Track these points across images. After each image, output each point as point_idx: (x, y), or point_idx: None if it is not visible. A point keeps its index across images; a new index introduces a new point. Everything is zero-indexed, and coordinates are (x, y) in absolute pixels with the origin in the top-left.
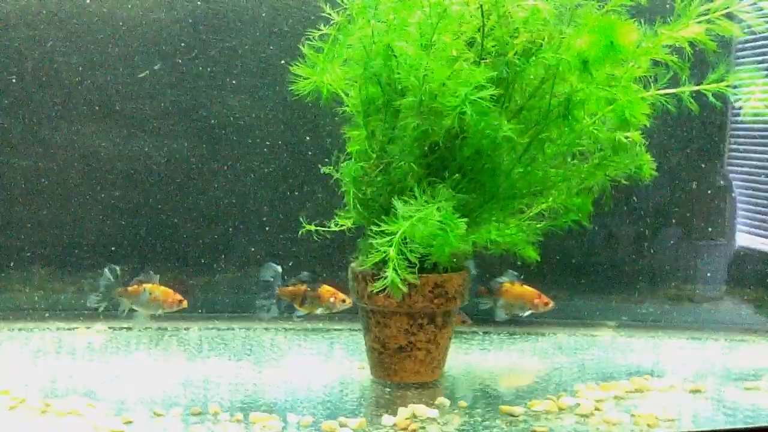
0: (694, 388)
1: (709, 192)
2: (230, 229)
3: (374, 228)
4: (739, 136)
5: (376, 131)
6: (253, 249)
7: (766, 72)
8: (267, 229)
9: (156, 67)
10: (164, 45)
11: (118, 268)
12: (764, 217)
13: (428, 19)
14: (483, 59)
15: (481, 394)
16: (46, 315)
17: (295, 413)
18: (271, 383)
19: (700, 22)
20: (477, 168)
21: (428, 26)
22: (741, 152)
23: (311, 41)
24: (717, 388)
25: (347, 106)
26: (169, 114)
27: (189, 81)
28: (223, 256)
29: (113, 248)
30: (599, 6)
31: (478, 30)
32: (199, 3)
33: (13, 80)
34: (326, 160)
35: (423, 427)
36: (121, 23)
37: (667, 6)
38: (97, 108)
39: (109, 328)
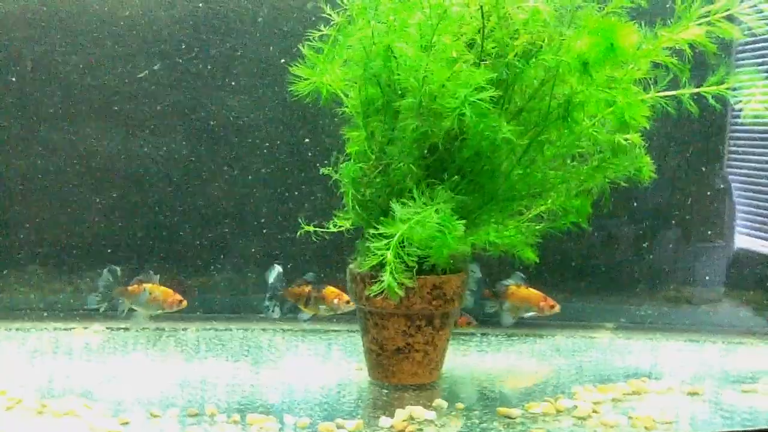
0: (692, 390)
1: (709, 194)
2: (228, 230)
3: (372, 231)
4: (738, 138)
5: (376, 132)
6: (252, 250)
7: (765, 74)
8: (265, 229)
9: (156, 67)
10: (164, 45)
11: (118, 268)
12: (763, 219)
13: (428, 21)
14: (483, 61)
15: (478, 396)
16: (45, 315)
17: (292, 414)
18: (269, 384)
19: (700, 24)
20: (476, 169)
21: (428, 27)
22: (740, 154)
23: (311, 42)
24: (714, 391)
25: (347, 106)
26: (169, 114)
27: (189, 81)
28: (221, 257)
29: (110, 250)
30: (599, 8)
31: (478, 31)
32: (199, 4)
33: (12, 79)
34: (326, 162)
35: (420, 429)
36: (121, 23)
37: (667, 6)
38: (96, 108)
39: (107, 328)
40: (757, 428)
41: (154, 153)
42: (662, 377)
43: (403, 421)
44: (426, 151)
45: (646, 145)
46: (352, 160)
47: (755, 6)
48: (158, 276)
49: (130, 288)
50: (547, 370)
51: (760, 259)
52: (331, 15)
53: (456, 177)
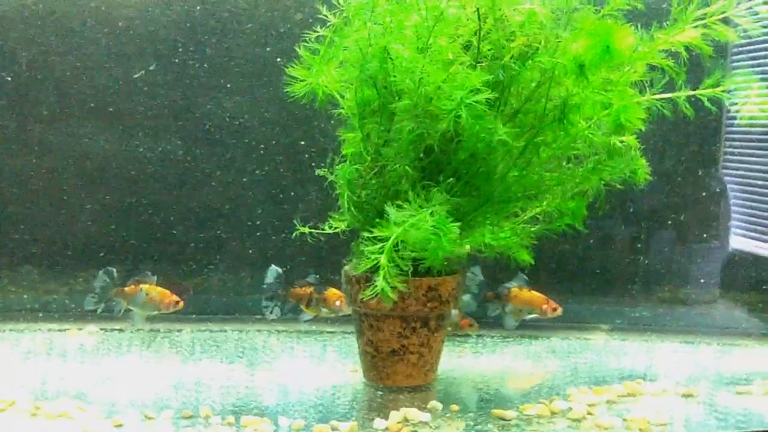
0: (687, 392)
1: (704, 195)
2: (223, 231)
3: (366, 234)
4: (734, 140)
5: (372, 134)
6: (250, 251)
7: (761, 76)
8: (260, 231)
9: (151, 68)
10: (160, 45)
11: (114, 269)
12: (758, 220)
13: (424, 22)
14: (479, 63)
15: (473, 397)
16: (40, 315)
17: (286, 416)
18: (263, 386)
19: (696, 27)
20: (472, 171)
21: (424, 29)
22: (736, 156)
23: (307, 43)
24: (709, 393)
25: (343, 108)
26: (164, 115)
27: (185, 82)
28: (216, 258)
29: (104, 251)
30: (596, 10)
31: (475, 33)
32: (197, 6)
33: (8, 79)
34: (321, 164)
35: (415, 431)
36: (117, 23)
37: (663, 5)
38: (91, 108)
39: (101, 329)
40: (751, 431)
41: (149, 153)
42: (657, 379)
43: (398, 423)
44: (422, 153)
45: (642, 146)
46: (347, 162)
47: (751, 8)
48: (155, 277)
49: (126, 288)
50: (542, 372)
51: (754, 260)
52: (327, 16)
53: (452, 179)
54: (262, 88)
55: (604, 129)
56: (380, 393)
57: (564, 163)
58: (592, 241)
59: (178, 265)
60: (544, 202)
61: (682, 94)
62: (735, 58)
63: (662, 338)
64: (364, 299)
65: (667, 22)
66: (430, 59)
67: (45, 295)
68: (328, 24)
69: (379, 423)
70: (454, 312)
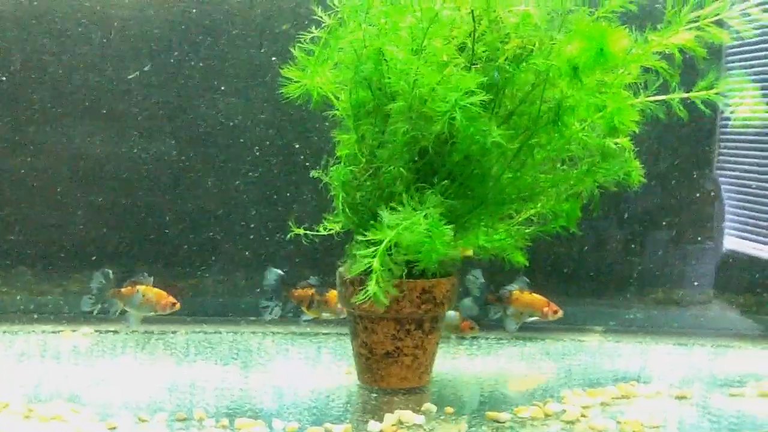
0: (680, 394)
1: (698, 196)
2: (218, 232)
3: (360, 237)
4: (728, 141)
5: (366, 135)
6: (246, 253)
7: (754, 77)
8: (255, 232)
9: (146, 68)
10: (155, 46)
11: (110, 271)
12: (753, 221)
13: (419, 24)
14: (474, 64)
15: (468, 400)
16: (34, 317)
17: (280, 419)
18: (258, 388)
19: (690, 29)
20: (466, 173)
21: (419, 31)
22: (730, 157)
23: (302, 44)
24: (703, 395)
25: (337, 109)
26: (159, 115)
27: (179, 82)
28: (211, 259)
29: (94, 257)
30: (591, 11)
31: (469, 35)
32: (193, 9)
33: (2, 79)
34: (316, 166)
35: None
36: (112, 24)
37: (657, 5)
38: (85, 109)
39: (95, 331)
40: None
41: (143, 154)
42: (651, 381)
43: (392, 425)
44: (416, 155)
45: (636, 148)
46: (342, 163)
47: (744, 11)
48: (152, 278)
49: (123, 290)
50: (537, 374)
51: (749, 262)
52: (322, 17)
53: (446, 181)
54: (257, 90)
55: (599, 131)
56: (374, 395)
57: (558, 165)
58: (586, 243)
59: (172, 267)
60: (539, 204)
61: (675, 96)
62: (730, 59)
63: (656, 340)
64: (357, 303)
65: (661, 25)
66: (424, 61)
67: (39, 297)
68: (323, 25)
69: (373, 425)
70: (455, 314)
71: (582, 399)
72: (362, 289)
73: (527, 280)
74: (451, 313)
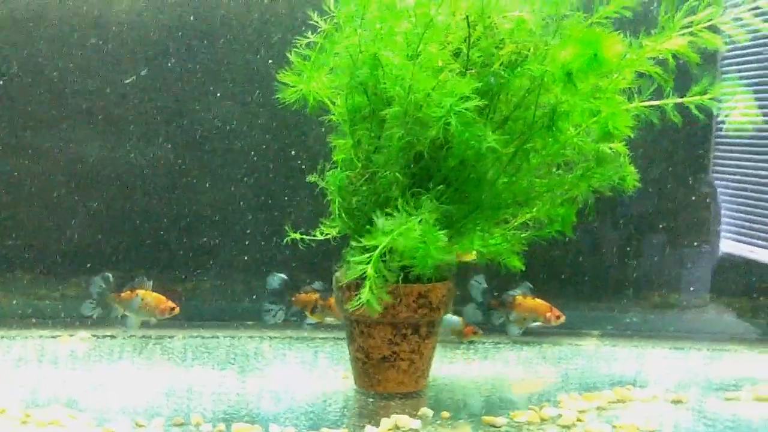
0: (676, 398)
1: (694, 200)
2: (216, 237)
3: (354, 243)
4: (724, 144)
5: (362, 140)
6: (246, 258)
7: (748, 82)
8: (252, 237)
9: (143, 73)
10: (151, 50)
11: (110, 275)
12: (749, 224)
13: (414, 29)
14: (469, 70)
15: (464, 404)
16: (33, 321)
17: (277, 424)
18: (255, 393)
19: (683, 35)
20: (462, 178)
21: (414, 36)
22: (726, 160)
23: (299, 49)
24: (698, 399)
25: (334, 114)
26: (156, 120)
27: (177, 87)
28: (208, 263)
29: (89, 264)
30: (586, 17)
31: (464, 41)
32: (190, 16)
33: (0, 83)
34: (313, 171)
35: None
36: (109, 28)
37: (652, 7)
38: (82, 113)
39: (93, 335)
40: None
41: (140, 159)
42: (647, 385)
43: (389, 430)
44: (412, 160)
45: (632, 152)
46: (338, 168)
47: (736, 16)
48: (151, 282)
49: (123, 294)
50: (533, 378)
51: (745, 265)
52: (318, 22)
53: (442, 186)
54: (253, 94)
55: (593, 136)
56: (371, 400)
57: (554, 170)
58: (583, 247)
59: (170, 271)
60: (534, 209)
61: (670, 102)
62: (725, 62)
63: (653, 344)
64: (350, 309)
65: (655, 30)
66: (419, 66)
67: (37, 301)
68: (319, 30)
69: (369, 430)
70: (458, 319)
71: (578, 403)
72: (356, 295)
73: (530, 285)
74: (454, 318)
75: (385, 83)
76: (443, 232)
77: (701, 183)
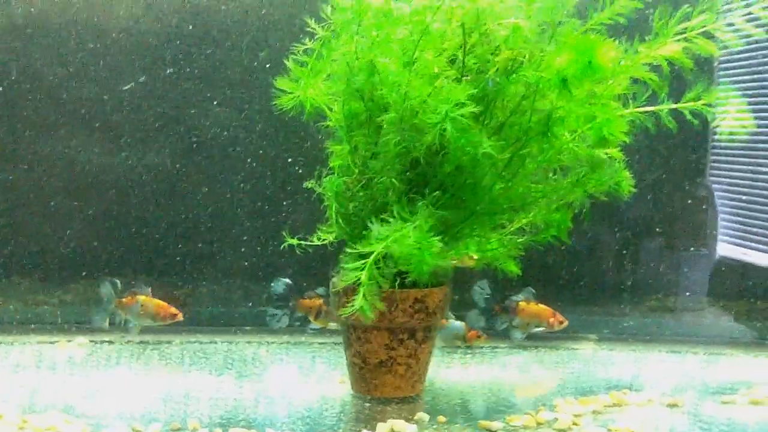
0: (672, 402)
1: (691, 204)
2: (213, 242)
3: (349, 250)
4: (720, 148)
5: (359, 146)
6: (242, 263)
7: (745, 86)
8: (252, 242)
9: (141, 80)
10: (149, 58)
11: (118, 281)
12: (746, 227)
13: (411, 36)
14: (464, 76)
15: (460, 408)
16: (32, 327)
17: (274, 429)
18: (252, 398)
19: (678, 41)
20: (458, 184)
21: (410, 43)
22: (722, 163)
23: (296, 56)
24: (694, 402)
25: (330, 120)
26: (154, 126)
27: (176, 93)
28: (206, 269)
29: (86, 269)
30: (582, 23)
31: (460, 47)
32: (189, 25)
33: None
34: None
35: None
36: (107, 35)
37: (648, 12)
38: (79, 119)
39: (91, 341)
40: None
41: (138, 164)
42: (643, 389)
43: None
44: (408, 166)
45: (629, 156)
46: (335, 174)
47: (730, 22)
48: (150, 288)
49: (124, 299)
50: (530, 382)
51: (742, 268)
52: (315, 29)
53: (438, 191)
54: (253, 101)
55: (589, 141)
56: (368, 404)
57: (550, 175)
58: (580, 251)
59: (168, 276)
60: (531, 214)
61: (664, 107)
62: (722, 66)
63: (650, 348)
64: (343, 315)
65: (650, 36)
66: (415, 73)
67: (34, 307)
68: (316, 37)
69: None
70: (461, 324)
71: (574, 407)
72: (350, 301)
73: (533, 290)
74: (458, 324)
75: (381, 90)
76: (438, 237)
77: (698, 186)
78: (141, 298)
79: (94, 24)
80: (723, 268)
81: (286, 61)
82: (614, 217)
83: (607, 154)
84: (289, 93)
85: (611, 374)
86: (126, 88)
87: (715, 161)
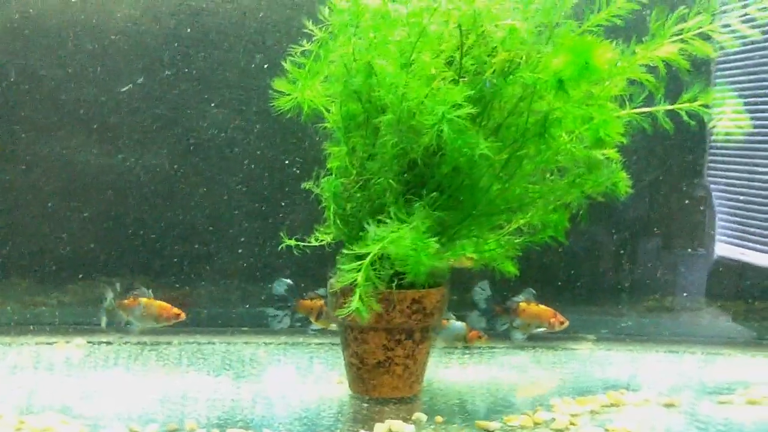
0: (669, 402)
1: (689, 204)
2: (211, 243)
3: (345, 251)
4: (718, 148)
5: (357, 147)
6: (241, 264)
7: (742, 87)
8: (247, 243)
9: (139, 81)
10: (147, 59)
11: (118, 283)
12: (743, 227)
13: (408, 38)
14: (461, 78)
15: (458, 409)
16: (31, 328)
17: (271, 429)
18: (249, 399)
19: (674, 42)
20: (455, 185)
21: (408, 45)
22: (720, 163)
23: (294, 57)
24: (691, 402)
25: (328, 122)
26: (152, 127)
27: (175, 95)
28: (204, 269)
29: (83, 271)
30: (578, 24)
31: (457, 49)
32: (187, 28)
33: None
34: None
35: None
36: (104, 37)
37: (645, 13)
38: (79, 120)
39: (88, 342)
40: None
41: (136, 166)
42: (640, 389)
43: None
44: (405, 167)
45: (627, 157)
46: (333, 175)
47: (725, 24)
48: (150, 290)
49: (126, 302)
50: (528, 383)
51: (740, 268)
52: (313, 31)
53: (435, 192)
54: (251, 102)
55: (586, 142)
56: (366, 405)
57: (547, 176)
58: (578, 251)
59: (166, 277)
60: (528, 215)
61: (661, 108)
62: (720, 67)
63: (648, 348)
64: (340, 316)
65: (647, 38)
66: (413, 74)
67: (32, 308)
68: (314, 38)
69: None
70: (462, 324)
71: (571, 407)
72: (346, 302)
73: (533, 291)
74: (459, 324)
75: (378, 91)
76: (435, 239)
77: (696, 186)
78: (143, 300)
79: (93, 25)
80: (721, 268)
81: (283, 63)
82: (612, 217)
83: (604, 155)
84: (287, 94)
85: (609, 374)
86: (124, 89)
87: (712, 161)
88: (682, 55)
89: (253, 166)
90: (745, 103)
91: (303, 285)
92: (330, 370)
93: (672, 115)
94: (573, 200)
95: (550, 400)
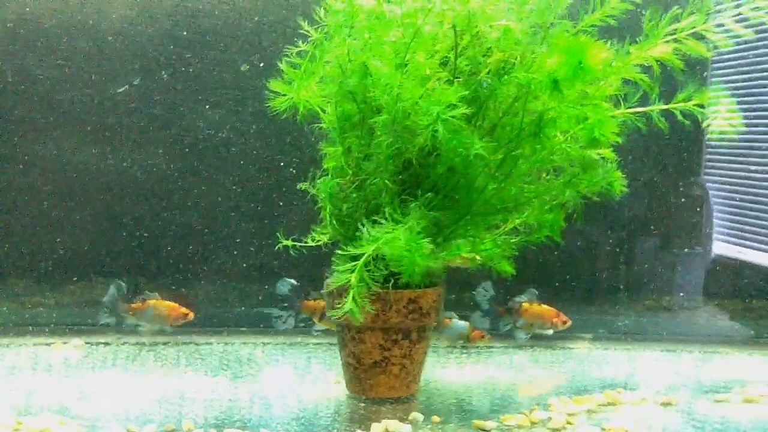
0: (666, 400)
1: (686, 202)
2: (209, 243)
3: (340, 252)
4: (715, 147)
5: (352, 148)
6: (234, 264)
7: (737, 86)
8: (244, 243)
9: (135, 82)
10: (144, 60)
11: (123, 283)
12: (741, 225)
13: (403, 39)
14: (456, 78)
15: (455, 408)
16: (30, 329)
17: (269, 429)
18: (247, 399)
19: (668, 42)
20: (450, 185)
21: (402, 45)
22: (717, 162)
23: (289, 58)
24: (688, 401)
25: (324, 122)
26: (149, 128)
27: (174, 95)
28: (202, 269)
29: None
30: (573, 24)
31: (452, 49)
32: (184, 30)
33: None
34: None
35: None
36: (101, 38)
37: (638, 15)
38: (76, 121)
39: (86, 343)
40: None
41: (133, 166)
42: (637, 388)
43: None
44: (401, 167)
45: (623, 155)
46: (329, 176)
47: (719, 23)
48: (156, 293)
49: (134, 305)
50: (525, 382)
51: (737, 266)
52: (308, 31)
53: (430, 193)
54: (246, 103)
55: (581, 142)
56: (363, 405)
57: (543, 176)
58: (575, 251)
59: (165, 277)
60: (524, 214)
61: (655, 108)
62: (715, 66)
63: (645, 347)
64: (332, 317)
65: (641, 37)
66: (407, 75)
67: (30, 308)
68: (310, 39)
69: None
70: (465, 324)
71: (568, 406)
72: (340, 302)
73: (536, 291)
74: (462, 323)
75: (373, 92)
76: (430, 239)
77: (693, 185)
78: (151, 302)
79: (89, 26)
80: (718, 267)
81: (279, 63)
82: (609, 216)
83: (599, 154)
84: (283, 95)
85: (606, 373)
86: (120, 90)
87: (709, 160)
88: (677, 54)
89: (249, 166)
90: (743, 102)
91: (300, 285)
92: (327, 370)
93: (666, 114)
94: (568, 200)
95: (547, 399)
